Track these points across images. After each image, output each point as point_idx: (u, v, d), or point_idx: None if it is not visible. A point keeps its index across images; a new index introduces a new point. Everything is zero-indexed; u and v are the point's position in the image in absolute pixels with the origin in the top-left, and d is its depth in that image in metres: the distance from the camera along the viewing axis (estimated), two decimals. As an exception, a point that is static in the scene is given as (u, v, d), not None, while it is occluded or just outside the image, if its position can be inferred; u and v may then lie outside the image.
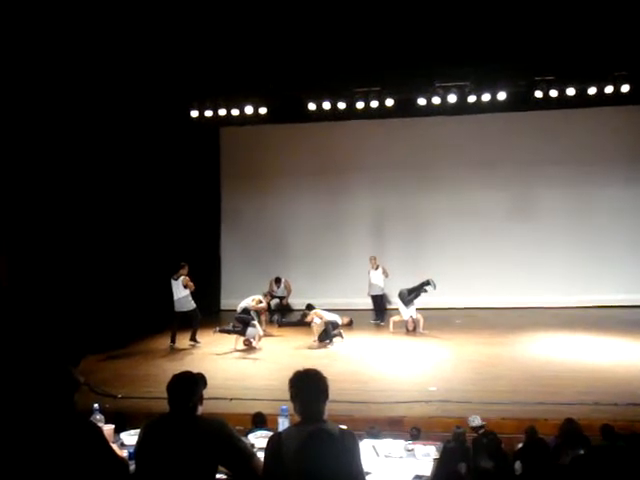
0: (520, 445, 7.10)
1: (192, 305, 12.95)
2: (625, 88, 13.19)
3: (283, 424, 4.56)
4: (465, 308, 15.83)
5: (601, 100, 13.86)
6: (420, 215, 16.63)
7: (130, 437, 4.86)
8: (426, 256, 16.14)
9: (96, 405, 5.12)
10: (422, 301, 13.91)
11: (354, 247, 16.49)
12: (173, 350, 12.77)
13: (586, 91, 13.60)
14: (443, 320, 14.58)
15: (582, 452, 5.65)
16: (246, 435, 5.11)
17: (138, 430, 4.11)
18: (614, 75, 13.15)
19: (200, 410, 3.89)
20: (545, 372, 10.12)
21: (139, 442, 3.87)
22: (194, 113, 14.54)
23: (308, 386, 3.75)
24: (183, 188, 16.24)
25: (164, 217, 15.82)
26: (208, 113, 14.57)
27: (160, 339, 13.51)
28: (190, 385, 3.90)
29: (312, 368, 3.87)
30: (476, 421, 7.45)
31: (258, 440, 4.78)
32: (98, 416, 4.93)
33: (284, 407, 4.60)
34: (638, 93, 13.43)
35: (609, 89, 13.35)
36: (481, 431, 7.37)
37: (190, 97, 14.42)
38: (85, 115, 13.43)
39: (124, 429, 5.26)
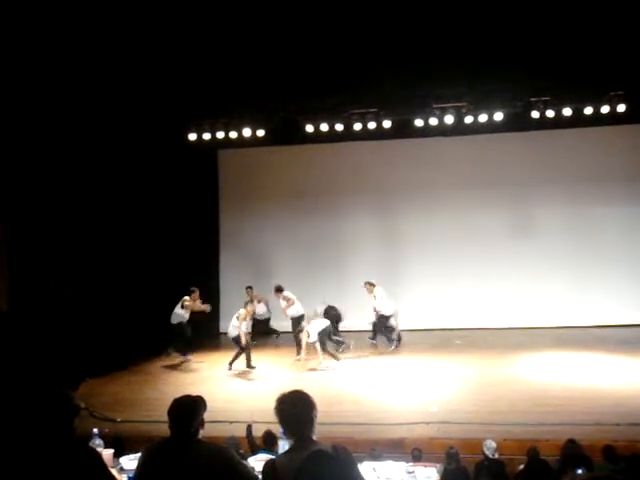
0: (521, 466, 7.05)
1: (176, 321, 13.18)
2: (621, 108, 13.22)
3: (284, 447, 4.54)
4: (465, 328, 15.74)
5: (598, 120, 13.92)
6: (419, 235, 16.58)
7: (130, 462, 4.84)
8: (426, 276, 16.10)
9: (95, 430, 5.12)
10: (420, 321, 13.80)
11: (353, 268, 16.42)
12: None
13: (582, 111, 13.64)
14: (443, 340, 14.52)
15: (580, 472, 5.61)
16: (253, 454, 5.08)
17: (138, 454, 4.08)
18: (610, 95, 13.20)
19: (201, 434, 3.86)
20: (546, 392, 10.08)
21: (140, 467, 3.84)
22: (192, 136, 14.59)
23: (293, 409, 3.65)
24: (182, 211, 16.25)
25: (163, 240, 15.82)
26: (206, 136, 14.61)
27: (159, 362, 13.46)
28: (191, 410, 3.86)
29: (297, 390, 3.77)
30: (491, 447, 7.30)
31: (258, 464, 4.74)
32: (97, 441, 4.92)
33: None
34: (634, 113, 13.50)
35: (605, 109, 13.38)
36: (493, 456, 7.25)
37: (188, 120, 14.48)
38: (81, 138, 13.47)
39: (123, 453, 5.24)
